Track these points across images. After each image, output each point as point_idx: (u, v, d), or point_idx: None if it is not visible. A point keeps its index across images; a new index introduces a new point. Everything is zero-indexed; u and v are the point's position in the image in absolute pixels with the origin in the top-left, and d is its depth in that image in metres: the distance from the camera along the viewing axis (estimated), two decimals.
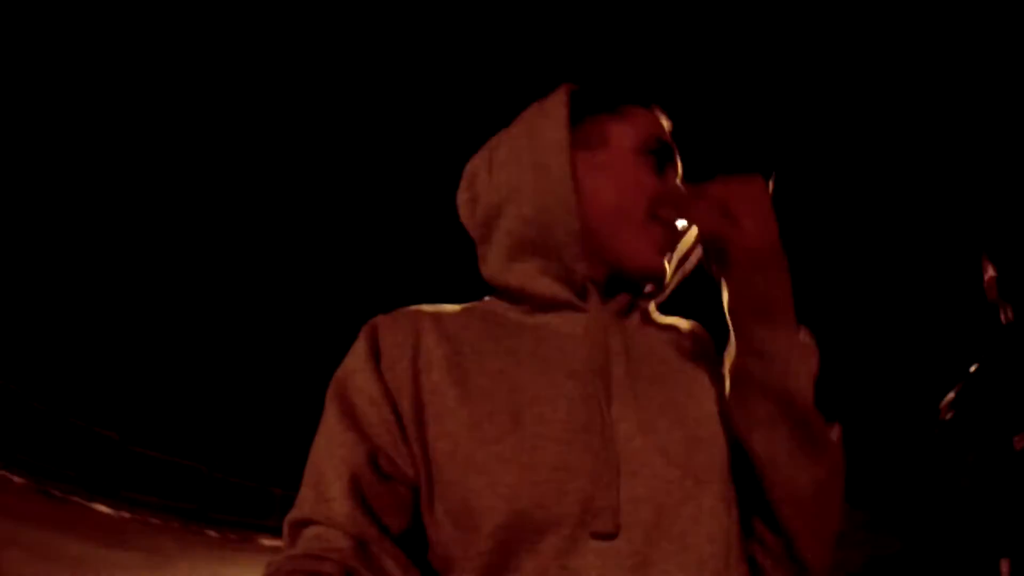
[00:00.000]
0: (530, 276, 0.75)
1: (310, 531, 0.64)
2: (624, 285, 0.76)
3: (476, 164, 0.82)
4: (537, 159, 0.75)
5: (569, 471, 0.63)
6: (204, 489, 15.71)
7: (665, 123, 0.81)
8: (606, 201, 0.74)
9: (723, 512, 0.66)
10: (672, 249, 0.77)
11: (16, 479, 9.70)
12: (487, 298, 0.81)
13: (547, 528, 0.61)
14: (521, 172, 0.75)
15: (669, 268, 0.77)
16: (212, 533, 12.96)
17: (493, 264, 0.78)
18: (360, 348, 0.72)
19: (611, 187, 0.75)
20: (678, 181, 0.79)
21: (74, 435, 12.78)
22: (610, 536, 0.61)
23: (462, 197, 0.82)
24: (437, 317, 0.75)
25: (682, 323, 0.83)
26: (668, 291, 0.81)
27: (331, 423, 0.69)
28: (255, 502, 17.40)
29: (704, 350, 0.79)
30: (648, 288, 0.79)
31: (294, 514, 0.66)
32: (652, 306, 0.81)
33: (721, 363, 0.74)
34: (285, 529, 0.66)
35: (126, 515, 11.00)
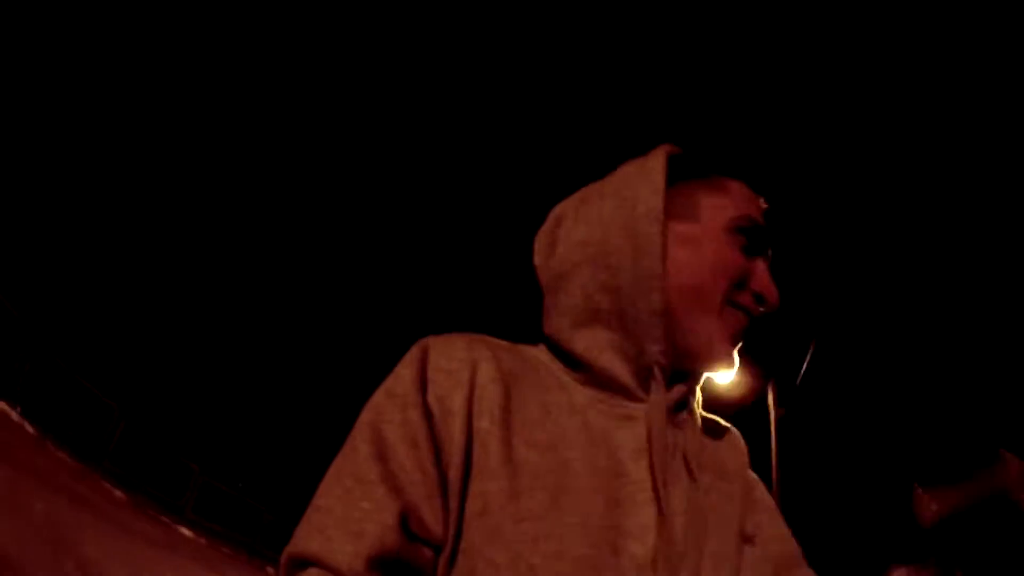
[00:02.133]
0: (598, 348, 0.70)
1: (313, 572, 0.60)
2: (683, 373, 0.72)
3: (563, 210, 0.78)
4: (630, 225, 0.70)
5: (594, 569, 0.60)
6: (259, 527, 16.41)
7: (761, 203, 0.77)
8: (687, 279, 0.70)
9: None
10: (742, 338, 0.73)
11: (118, 493, 10.63)
12: (542, 347, 0.76)
13: None
14: (609, 234, 0.71)
15: (737, 358, 0.73)
16: (270, 570, 13.56)
17: (558, 323, 0.73)
18: (406, 373, 0.67)
19: (694, 265, 0.71)
20: (766, 266, 0.74)
21: (161, 459, 13.83)
22: None
23: (542, 241, 0.78)
24: (494, 353, 0.70)
25: (722, 425, 0.80)
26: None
27: (360, 461, 0.63)
28: None
29: (738, 456, 0.77)
30: (708, 375, 0.75)
31: (297, 548, 0.61)
32: (698, 398, 0.77)
33: (749, 478, 0.76)
34: (283, 560, 0.62)
35: (203, 541, 11.77)
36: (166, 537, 10.11)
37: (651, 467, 0.65)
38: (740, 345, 0.73)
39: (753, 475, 0.77)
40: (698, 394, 0.76)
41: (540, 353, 0.75)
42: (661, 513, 0.63)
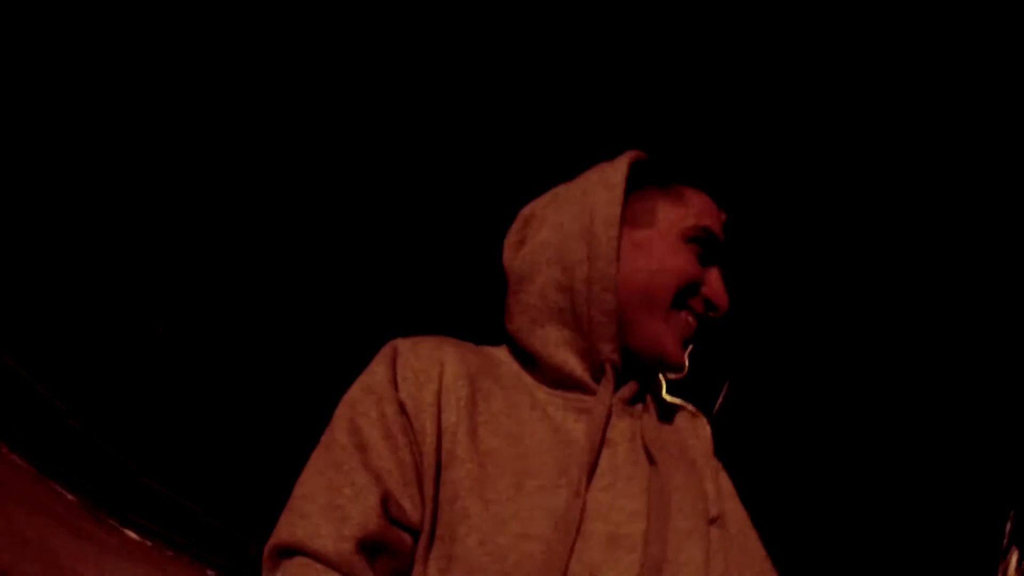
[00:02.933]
0: (554, 345, 0.74)
1: (299, 560, 0.61)
2: (639, 369, 0.77)
3: (531, 210, 0.82)
4: (588, 230, 0.75)
5: (561, 547, 0.63)
6: (196, 530, 16.59)
7: (721, 213, 0.80)
8: (638, 282, 0.74)
9: None
10: (691, 340, 0.76)
11: (70, 496, 10.93)
12: (504, 348, 0.81)
13: None
14: (568, 238, 0.75)
15: (687, 358, 0.76)
16: (210, 573, 13.93)
17: (519, 321, 0.77)
18: (378, 370, 0.71)
19: (646, 268, 0.74)
20: (719, 275, 0.77)
21: (103, 461, 14.05)
22: None
23: (511, 239, 0.82)
24: (460, 353, 0.74)
25: (689, 412, 0.84)
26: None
27: (339, 451, 0.66)
28: (235, 551, 18.14)
29: (702, 442, 0.81)
30: (663, 376, 0.79)
31: (282, 539, 0.63)
32: (663, 387, 0.81)
33: (713, 463, 0.80)
34: (267, 553, 0.64)
35: (148, 543, 12.13)
36: (116, 541, 10.48)
37: (588, 454, 0.68)
38: (691, 347, 0.77)
39: (717, 461, 0.81)
40: (662, 385, 0.81)
41: (502, 353, 0.80)
42: (580, 498, 0.65)
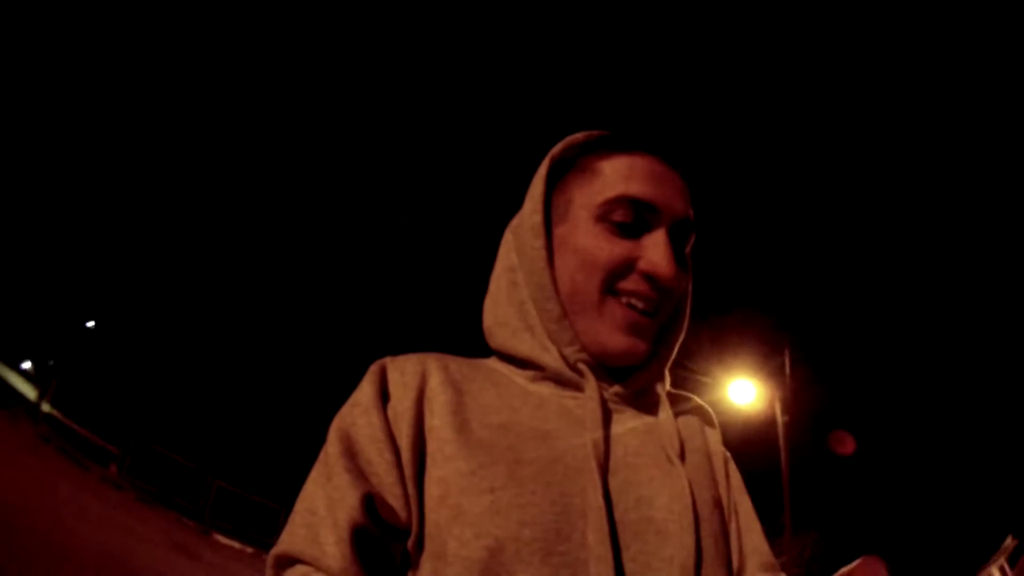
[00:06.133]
0: (540, 349, 0.75)
1: (298, 570, 0.64)
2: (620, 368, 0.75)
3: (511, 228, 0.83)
4: (521, 243, 0.77)
5: (560, 535, 0.62)
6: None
7: (657, 167, 0.74)
8: (566, 284, 0.74)
9: None
10: (649, 321, 0.73)
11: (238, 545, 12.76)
12: (493, 358, 0.82)
13: None
14: (516, 252, 0.78)
15: (643, 343, 0.74)
16: None
17: (501, 334, 0.79)
18: (366, 387, 0.74)
19: (568, 267, 0.74)
20: (660, 239, 0.72)
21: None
22: None
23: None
24: (444, 364, 0.76)
25: (694, 402, 0.84)
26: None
27: (331, 460, 0.69)
28: None
29: (713, 438, 0.81)
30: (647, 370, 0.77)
31: (282, 549, 0.66)
32: (665, 384, 0.80)
33: (722, 452, 0.80)
34: (270, 562, 0.66)
35: (235, 544, 14.01)
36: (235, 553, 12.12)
37: (591, 445, 0.68)
38: (643, 330, 0.73)
39: (726, 451, 0.82)
40: (666, 379, 0.80)
41: (493, 362, 0.81)
42: (597, 488, 0.65)
